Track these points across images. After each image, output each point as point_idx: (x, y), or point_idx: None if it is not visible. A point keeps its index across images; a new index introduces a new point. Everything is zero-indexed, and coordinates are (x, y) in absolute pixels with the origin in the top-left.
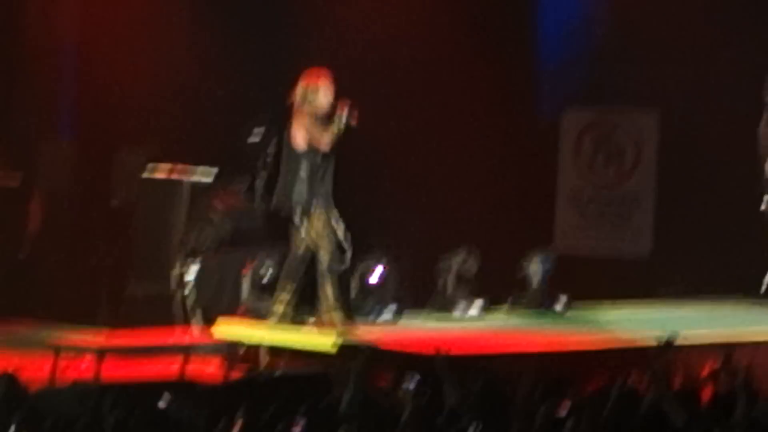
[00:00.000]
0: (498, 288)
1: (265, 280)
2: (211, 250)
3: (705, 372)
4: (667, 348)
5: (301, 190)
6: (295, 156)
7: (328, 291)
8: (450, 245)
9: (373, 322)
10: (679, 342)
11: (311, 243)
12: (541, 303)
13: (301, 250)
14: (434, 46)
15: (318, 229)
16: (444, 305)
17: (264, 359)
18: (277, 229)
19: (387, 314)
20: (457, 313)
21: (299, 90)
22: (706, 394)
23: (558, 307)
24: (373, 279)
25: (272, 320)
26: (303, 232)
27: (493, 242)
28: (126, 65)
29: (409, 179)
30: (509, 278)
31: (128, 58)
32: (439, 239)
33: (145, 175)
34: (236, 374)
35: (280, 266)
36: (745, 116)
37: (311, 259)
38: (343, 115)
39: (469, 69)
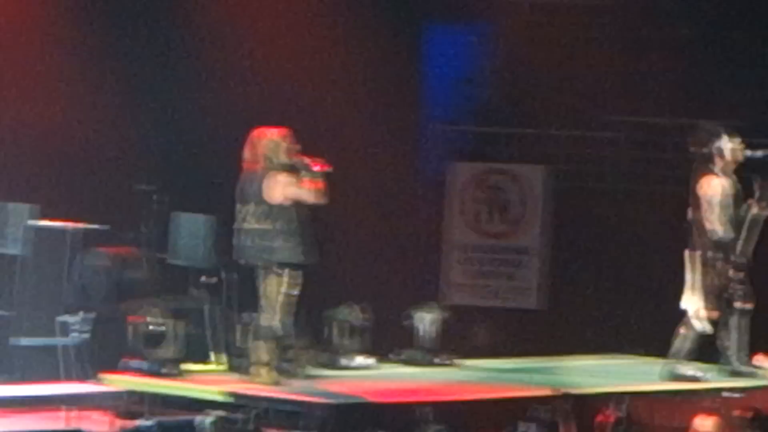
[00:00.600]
0: (385, 340)
1: (152, 330)
2: (98, 299)
3: (600, 421)
4: (558, 398)
5: (282, 245)
6: (266, 212)
7: (261, 347)
8: (337, 298)
9: None
10: (570, 392)
11: (263, 295)
12: (427, 355)
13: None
14: (320, 100)
15: (272, 286)
16: (330, 355)
17: (151, 409)
18: (165, 281)
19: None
20: (343, 363)
21: (265, 145)
22: None
23: (441, 360)
24: None
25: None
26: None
27: (380, 295)
28: (13, 116)
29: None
30: (396, 331)
31: (15, 109)
32: (327, 292)
33: (30, 223)
34: (124, 425)
35: (172, 316)
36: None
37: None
38: (314, 168)
39: (355, 125)
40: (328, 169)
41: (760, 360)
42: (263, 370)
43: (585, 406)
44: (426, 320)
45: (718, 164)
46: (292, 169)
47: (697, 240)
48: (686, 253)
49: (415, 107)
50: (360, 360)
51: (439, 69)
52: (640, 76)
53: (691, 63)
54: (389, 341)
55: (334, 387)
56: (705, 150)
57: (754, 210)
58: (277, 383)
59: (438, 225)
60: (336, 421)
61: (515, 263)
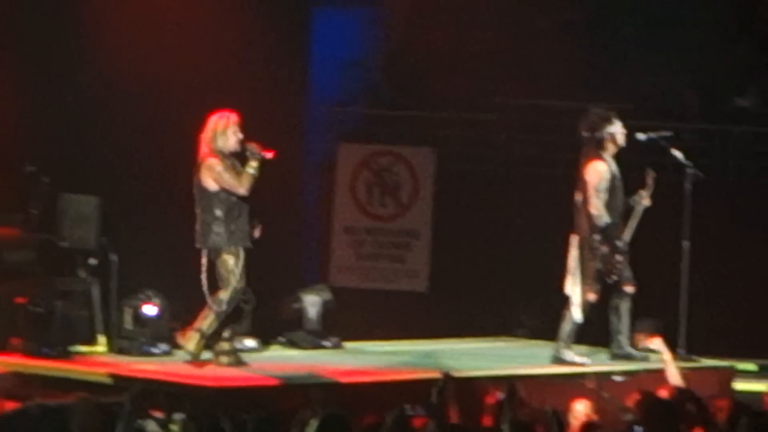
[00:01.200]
0: (273, 323)
1: (38, 312)
2: None
3: (487, 402)
4: (446, 381)
5: (218, 229)
6: (208, 196)
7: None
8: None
9: (149, 354)
10: (457, 375)
11: (219, 278)
12: (314, 338)
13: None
14: (208, 81)
15: (228, 266)
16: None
17: (41, 390)
18: (53, 262)
19: (162, 346)
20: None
21: (211, 131)
22: (487, 422)
23: (330, 342)
24: (149, 311)
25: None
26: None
27: (268, 278)
28: None
29: (185, 220)
30: (285, 313)
31: None
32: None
33: None
34: (9, 406)
35: (59, 297)
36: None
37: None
38: (256, 152)
39: (243, 106)
40: (273, 155)
41: (656, 343)
42: (193, 338)
43: (472, 388)
44: (313, 303)
45: (609, 149)
46: (241, 155)
47: (582, 224)
48: (572, 236)
49: (305, 89)
50: (247, 342)
51: (329, 51)
52: (530, 60)
53: (580, 46)
54: (277, 324)
55: (218, 369)
56: (597, 134)
57: (646, 202)
58: (240, 364)
59: (327, 207)
60: (217, 403)
61: (405, 246)
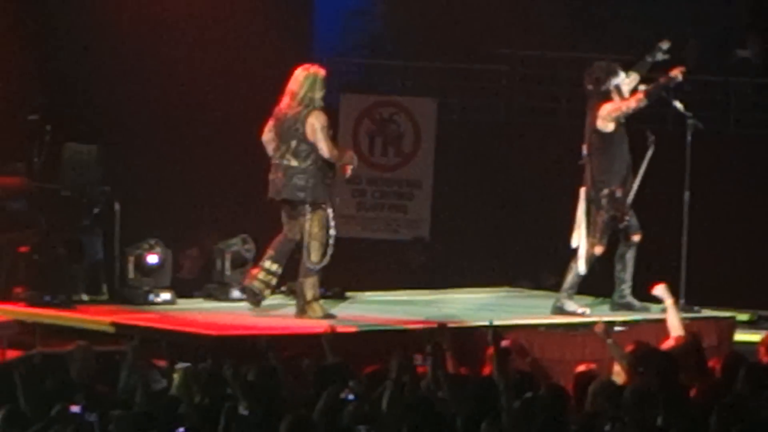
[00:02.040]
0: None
1: (43, 261)
2: None
3: (489, 353)
4: (444, 330)
5: (316, 183)
6: (307, 151)
7: (307, 285)
8: (228, 231)
9: (152, 303)
10: (456, 324)
11: (306, 235)
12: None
13: (297, 237)
14: (209, 33)
15: (318, 225)
16: (222, 287)
17: (43, 339)
18: (57, 212)
19: (165, 295)
20: (235, 295)
21: (306, 80)
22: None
23: (331, 292)
24: (152, 260)
25: (254, 295)
26: (307, 224)
27: (269, 228)
28: None
29: (187, 168)
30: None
31: None
32: (216, 225)
33: None
34: (12, 354)
35: (62, 246)
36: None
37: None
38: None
39: (246, 58)
40: None
41: (659, 290)
42: (316, 305)
43: (470, 338)
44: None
45: (625, 94)
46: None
47: (591, 176)
48: (582, 189)
49: (307, 39)
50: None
51: (330, 1)
52: (531, 10)
53: None
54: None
55: (224, 319)
56: (603, 87)
57: (649, 153)
58: (328, 316)
59: None
60: (219, 352)
61: (407, 196)
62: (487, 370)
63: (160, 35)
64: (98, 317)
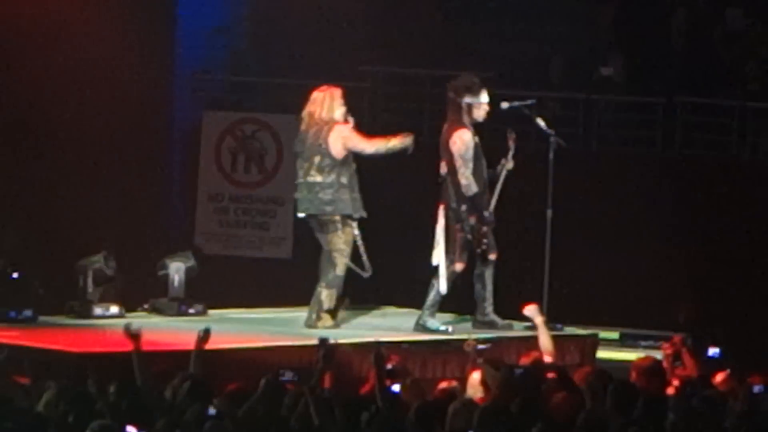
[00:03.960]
0: (138, 290)
1: None
2: None
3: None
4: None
5: (341, 198)
6: (331, 165)
7: (324, 295)
8: (89, 247)
9: (14, 320)
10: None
11: (330, 247)
12: (179, 305)
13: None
14: (72, 48)
15: (343, 239)
16: (84, 305)
17: None
18: None
19: (26, 312)
20: (97, 312)
21: (324, 100)
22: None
23: (194, 309)
24: (14, 276)
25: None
26: (333, 236)
27: (133, 244)
28: None
29: (49, 181)
30: (149, 281)
31: None
32: (78, 241)
33: None
34: None
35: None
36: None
37: None
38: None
39: (108, 72)
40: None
41: (530, 310)
42: (327, 316)
43: (340, 354)
44: (179, 270)
45: (475, 116)
46: None
47: (448, 194)
48: (440, 207)
49: (170, 55)
50: (113, 309)
51: (193, 17)
52: (395, 28)
53: (444, 14)
54: (143, 291)
55: (87, 336)
56: (465, 101)
57: (509, 165)
58: (337, 326)
59: (193, 174)
60: (83, 370)
61: (269, 213)
62: (366, 389)
63: (20, 50)
64: None
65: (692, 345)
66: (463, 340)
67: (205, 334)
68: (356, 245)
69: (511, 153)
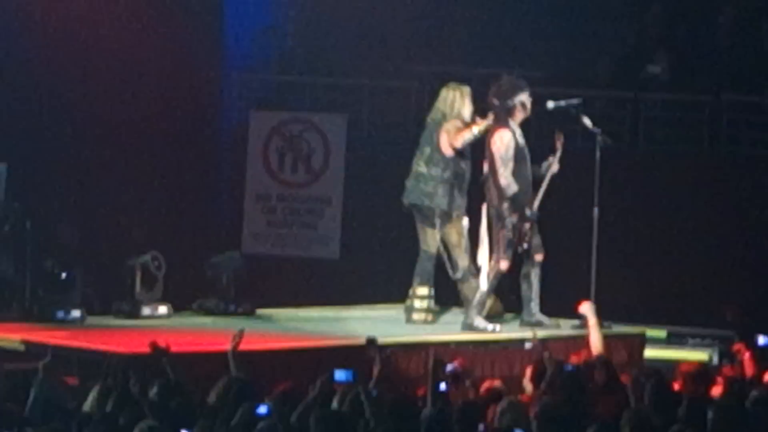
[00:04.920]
0: (186, 289)
1: None
2: None
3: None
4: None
5: (443, 192)
6: (437, 159)
7: (467, 289)
8: (138, 246)
9: (62, 321)
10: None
11: (447, 247)
12: (228, 305)
13: (431, 250)
14: (122, 48)
15: (455, 234)
16: (132, 305)
17: None
18: None
19: (75, 313)
20: (145, 313)
21: (447, 99)
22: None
23: (242, 309)
24: (64, 278)
25: (416, 316)
26: (442, 235)
27: (181, 244)
28: None
29: (98, 181)
30: (197, 280)
31: None
32: (127, 240)
33: None
34: None
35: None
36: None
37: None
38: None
39: (157, 73)
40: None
41: (584, 308)
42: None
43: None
44: (227, 269)
45: (518, 117)
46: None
47: (491, 194)
48: (484, 207)
49: (217, 55)
50: (162, 309)
51: (241, 17)
52: (441, 27)
53: (490, 13)
54: (191, 290)
55: (133, 336)
56: (507, 102)
57: (554, 167)
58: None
59: (240, 174)
60: (131, 370)
61: (316, 212)
62: (420, 392)
63: (69, 50)
64: (8, 335)
65: (744, 343)
66: (510, 340)
67: (239, 335)
68: (450, 245)
69: (558, 155)
